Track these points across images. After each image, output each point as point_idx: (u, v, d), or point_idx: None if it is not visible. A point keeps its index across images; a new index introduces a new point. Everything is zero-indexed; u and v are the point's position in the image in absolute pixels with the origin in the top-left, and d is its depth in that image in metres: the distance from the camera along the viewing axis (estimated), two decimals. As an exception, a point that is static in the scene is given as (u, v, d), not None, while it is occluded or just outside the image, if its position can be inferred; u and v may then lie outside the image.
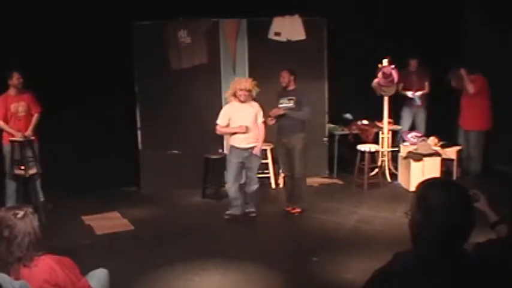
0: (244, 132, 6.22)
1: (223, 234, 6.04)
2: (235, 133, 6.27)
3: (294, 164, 6.48)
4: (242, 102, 6.26)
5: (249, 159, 6.33)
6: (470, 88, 7.52)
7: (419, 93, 8.24)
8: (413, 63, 8.32)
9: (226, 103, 6.65)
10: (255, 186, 6.45)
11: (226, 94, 6.58)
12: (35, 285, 2.80)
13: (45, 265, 2.88)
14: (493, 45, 8.03)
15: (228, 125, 6.31)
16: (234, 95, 6.29)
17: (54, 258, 2.96)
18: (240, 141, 6.27)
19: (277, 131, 6.58)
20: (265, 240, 5.93)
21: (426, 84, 8.29)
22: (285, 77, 6.44)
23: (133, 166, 7.71)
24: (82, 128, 7.69)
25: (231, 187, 6.38)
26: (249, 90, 6.24)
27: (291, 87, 6.47)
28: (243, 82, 6.35)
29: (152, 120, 7.69)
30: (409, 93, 8.25)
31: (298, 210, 6.60)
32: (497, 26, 7.94)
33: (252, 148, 6.30)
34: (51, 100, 6.96)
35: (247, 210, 6.52)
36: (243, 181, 6.62)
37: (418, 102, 8.27)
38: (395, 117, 8.39)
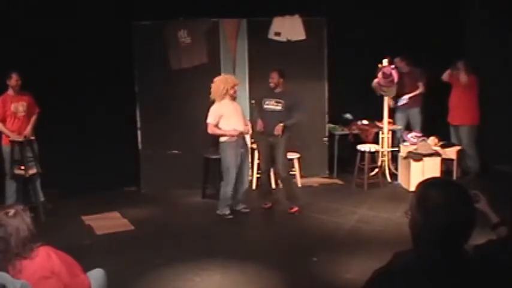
0: (239, 133, 6.34)
1: (223, 234, 6.04)
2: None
3: (277, 163, 6.56)
4: (234, 99, 6.39)
5: (243, 153, 6.47)
6: (464, 79, 7.50)
7: (405, 97, 8.08)
8: (399, 64, 8.02)
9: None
10: (246, 185, 6.65)
11: (215, 94, 6.38)
12: (31, 270, 2.87)
13: (43, 252, 2.96)
14: (493, 45, 8.03)
15: (217, 124, 6.34)
16: (224, 93, 6.30)
17: (53, 249, 3.05)
18: (236, 137, 6.35)
19: (263, 129, 6.56)
20: (265, 240, 5.93)
21: (420, 84, 8.11)
22: (275, 78, 6.45)
23: (133, 166, 7.71)
24: (82, 128, 7.70)
25: (232, 188, 6.41)
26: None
27: (279, 89, 6.48)
28: (232, 79, 6.44)
29: (152, 120, 7.69)
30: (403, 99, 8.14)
31: (295, 208, 6.64)
32: (497, 26, 7.94)
33: (244, 141, 6.53)
34: (51, 100, 6.96)
35: (238, 208, 6.63)
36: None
37: (401, 102, 8.14)
38: (395, 118, 8.39)
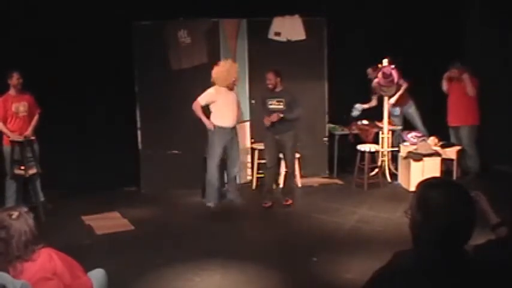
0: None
1: (223, 234, 6.03)
2: (219, 114, 6.50)
3: (287, 160, 6.78)
4: (233, 89, 6.58)
5: (232, 138, 6.60)
6: (471, 91, 7.50)
7: (392, 100, 7.91)
8: (373, 75, 7.86)
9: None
10: (236, 169, 6.71)
11: (218, 79, 6.53)
12: (32, 272, 2.86)
13: (45, 254, 2.96)
14: (493, 45, 8.03)
15: (207, 105, 6.53)
16: (227, 81, 6.46)
17: (55, 250, 3.04)
18: (226, 122, 6.49)
19: (268, 127, 6.63)
20: (265, 240, 5.92)
21: (402, 82, 7.85)
22: (272, 79, 6.54)
23: (133, 166, 7.71)
24: (82, 128, 7.70)
25: (216, 173, 6.48)
26: None
27: (278, 88, 6.58)
28: (236, 71, 6.59)
29: (152, 120, 7.70)
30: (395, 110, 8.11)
31: (290, 201, 6.87)
32: (497, 26, 7.94)
33: (235, 128, 6.67)
34: (51, 100, 6.97)
35: (231, 197, 6.71)
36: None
37: (396, 112, 8.12)
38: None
